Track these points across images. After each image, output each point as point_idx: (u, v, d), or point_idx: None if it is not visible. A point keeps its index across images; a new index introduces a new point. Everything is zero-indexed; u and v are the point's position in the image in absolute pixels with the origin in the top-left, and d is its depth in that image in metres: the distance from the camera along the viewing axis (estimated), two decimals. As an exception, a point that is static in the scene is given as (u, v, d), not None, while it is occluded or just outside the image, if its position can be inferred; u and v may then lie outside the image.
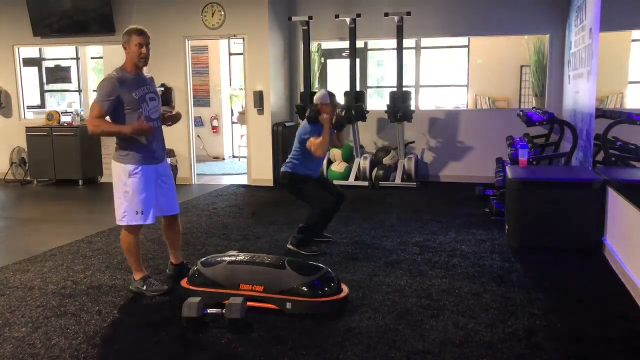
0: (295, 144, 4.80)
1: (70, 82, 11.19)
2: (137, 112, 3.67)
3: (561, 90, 7.74)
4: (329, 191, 4.86)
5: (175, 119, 4.03)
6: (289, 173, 4.80)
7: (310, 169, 4.80)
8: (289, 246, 4.78)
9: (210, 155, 11.15)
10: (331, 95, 4.80)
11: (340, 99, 8.14)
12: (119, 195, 3.76)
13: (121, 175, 3.73)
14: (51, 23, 8.52)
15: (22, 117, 9.12)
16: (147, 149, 3.75)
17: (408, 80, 8.54)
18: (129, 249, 3.86)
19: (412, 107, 7.85)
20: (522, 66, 10.00)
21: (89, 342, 3.13)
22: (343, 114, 4.90)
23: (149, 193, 3.77)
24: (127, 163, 3.71)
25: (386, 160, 8.08)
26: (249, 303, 3.33)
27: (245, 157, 9.34)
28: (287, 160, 4.88)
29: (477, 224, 5.67)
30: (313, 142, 4.62)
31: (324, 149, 4.64)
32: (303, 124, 4.84)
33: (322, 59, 9.67)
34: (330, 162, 8.25)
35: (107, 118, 3.67)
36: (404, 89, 7.85)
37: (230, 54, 11.45)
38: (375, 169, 7.96)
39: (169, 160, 8.07)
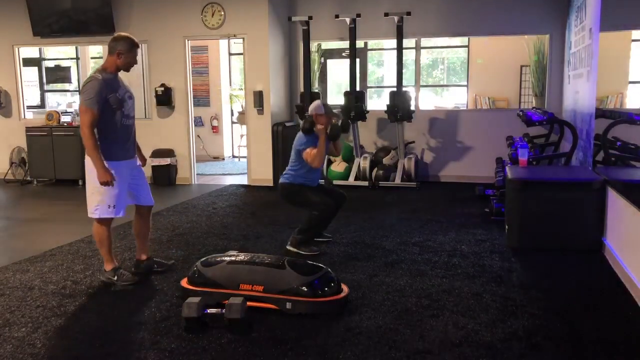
0: (292, 155, 4.81)
1: (70, 82, 11.19)
2: (120, 111, 3.90)
3: (561, 90, 7.74)
4: (330, 194, 4.87)
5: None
6: (287, 184, 4.80)
7: (309, 178, 4.79)
8: (288, 247, 4.79)
9: (210, 155, 11.16)
10: (325, 106, 4.79)
11: (340, 99, 8.15)
12: (92, 190, 3.92)
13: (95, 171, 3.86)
14: (51, 23, 8.52)
15: (22, 117, 9.11)
16: (122, 145, 3.97)
17: (408, 80, 8.55)
18: (101, 240, 4.01)
19: (412, 107, 7.86)
20: (522, 66, 10.00)
21: (89, 342, 3.13)
22: (339, 123, 4.89)
23: (122, 188, 3.96)
24: (103, 159, 3.83)
25: (386, 160, 8.07)
26: (249, 303, 3.33)
27: (245, 157, 9.34)
28: (284, 172, 4.88)
29: (477, 224, 5.67)
30: (309, 153, 4.62)
31: (320, 160, 4.65)
32: (299, 135, 4.82)
33: (322, 59, 9.67)
34: (330, 162, 8.25)
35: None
36: (404, 89, 7.85)
37: (230, 54, 11.45)
38: (375, 169, 7.96)
39: (168, 160, 8.18)
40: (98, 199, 3.89)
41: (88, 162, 3.87)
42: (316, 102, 4.86)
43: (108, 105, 3.82)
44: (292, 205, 4.96)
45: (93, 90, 3.76)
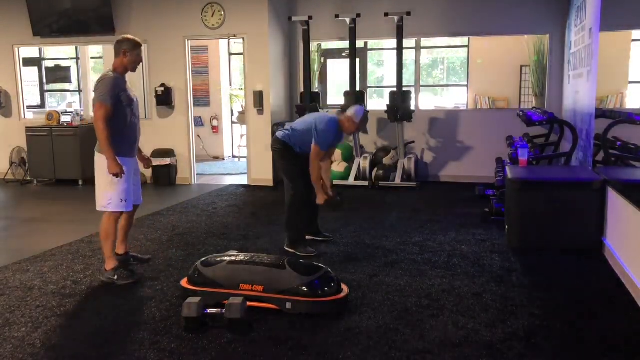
0: (302, 125, 4.73)
1: (70, 82, 11.18)
2: (130, 108, 4.12)
3: (561, 90, 7.74)
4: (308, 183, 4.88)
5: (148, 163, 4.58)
6: (281, 140, 4.72)
7: (304, 143, 4.73)
8: (286, 248, 4.79)
9: (210, 155, 11.16)
10: (364, 116, 4.78)
11: (340, 99, 8.15)
12: (103, 185, 4.07)
13: (106, 166, 3.97)
14: (51, 23, 8.52)
15: (22, 117, 9.11)
16: (129, 143, 4.15)
17: (408, 80, 8.55)
18: (108, 235, 4.12)
19: (412, 107, 7.86)
20: (522, 66, 10.00)
21: (89, 342, 3.13)
22: (338, 198, 4.95)
23: (130, 183, 4.12)
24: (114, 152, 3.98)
25: (386, 160, 8.07)
26: (249, 303, 3.33)
27: (245, 157, 9.34)
28: (285, 127, 4.83)
29: (477, 224, 5.67)
30: (313, 153, 4.61)
31: (311, 173, 4.65)
32: (322, 117, 4.70)
33: (322, 59, 9.67)
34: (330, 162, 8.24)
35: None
36: (404, 89, 7.85)
37: (230, 54, 11.45)
38: (375, 169, 7.96)
39: (168, 160, 8.19)
40: (110, 193, 4.04)
41: (98, 158, 4.04)
42: (358, 107, 4.84)
43: (120, 102, 4.01)
44: (277, 165, 4.85)
45: (107, 87, 3.97)
